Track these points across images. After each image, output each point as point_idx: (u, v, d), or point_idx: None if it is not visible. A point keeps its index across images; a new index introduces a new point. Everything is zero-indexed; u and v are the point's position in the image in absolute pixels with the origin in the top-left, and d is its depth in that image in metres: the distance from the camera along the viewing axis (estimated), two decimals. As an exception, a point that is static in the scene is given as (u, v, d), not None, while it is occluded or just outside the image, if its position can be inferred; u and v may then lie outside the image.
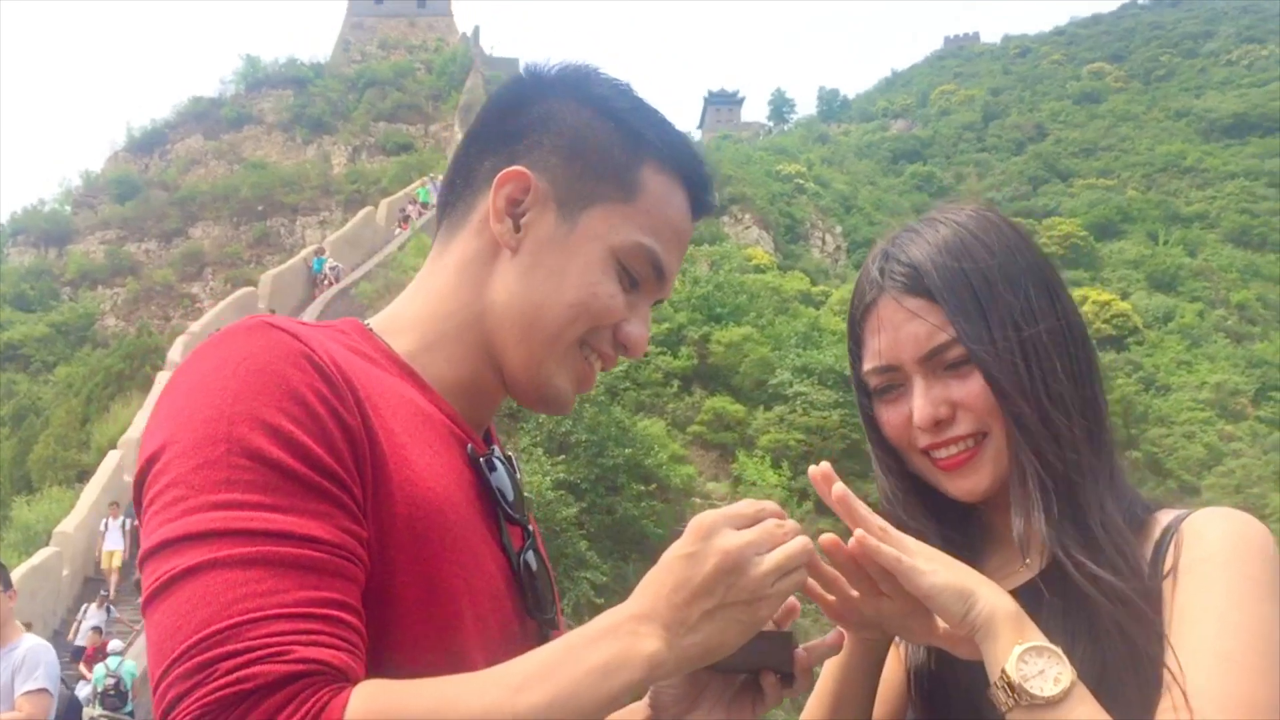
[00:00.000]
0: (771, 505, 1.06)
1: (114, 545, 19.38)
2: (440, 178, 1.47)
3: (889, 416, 1.30)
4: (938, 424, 1.24)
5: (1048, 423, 1.21)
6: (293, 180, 49.00)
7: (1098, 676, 1.09)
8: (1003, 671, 1.05)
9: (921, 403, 1.25)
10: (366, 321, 1.22)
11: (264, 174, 49.88)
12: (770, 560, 1.01)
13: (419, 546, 1.02)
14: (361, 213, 41.53)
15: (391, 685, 0.90)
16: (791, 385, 37.37)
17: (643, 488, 27.80)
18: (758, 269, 47.90)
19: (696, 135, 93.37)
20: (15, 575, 9.78)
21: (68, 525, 21.48)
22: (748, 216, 55.30)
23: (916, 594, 1.11)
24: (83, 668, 14.07)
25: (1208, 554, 1.13)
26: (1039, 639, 1.06)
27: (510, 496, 1.18)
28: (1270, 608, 1.09)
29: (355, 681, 0.89)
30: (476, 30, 64.50)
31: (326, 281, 32.82)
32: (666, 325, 40.46)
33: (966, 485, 1.26)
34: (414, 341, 1.19)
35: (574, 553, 24.11)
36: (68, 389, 39.03)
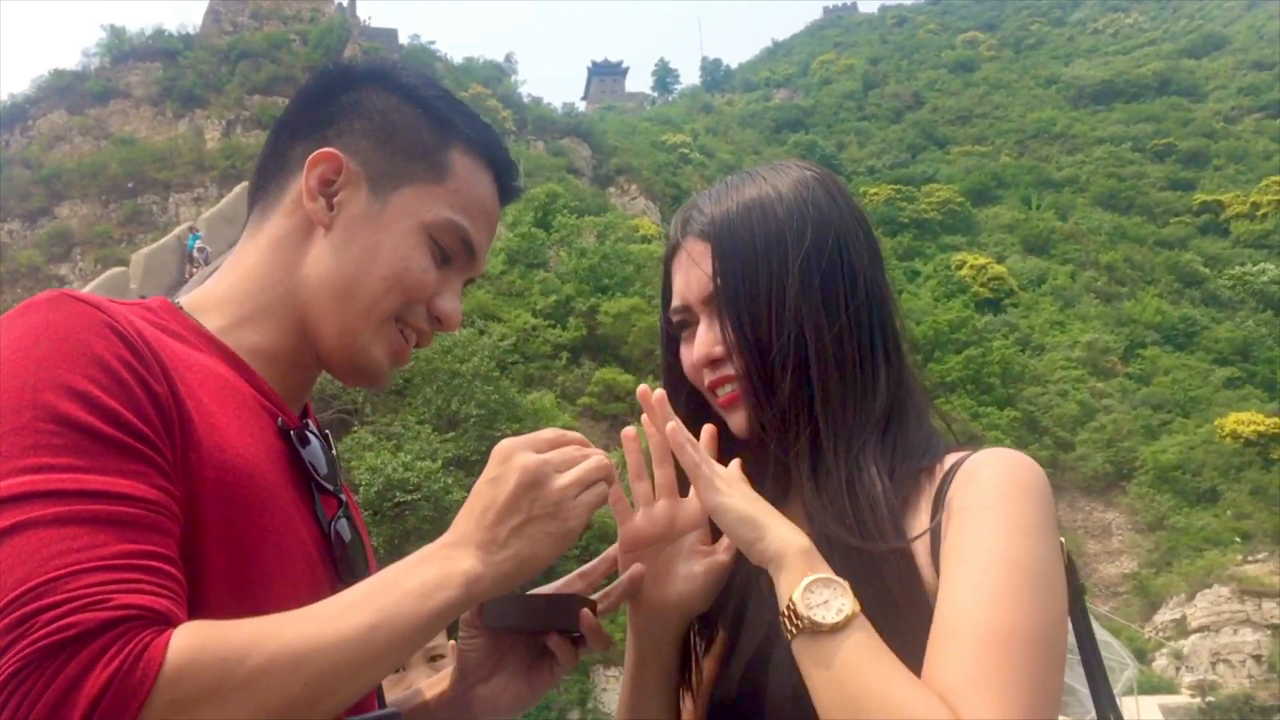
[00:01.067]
0: (574, 434, 1.16)
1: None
2: None
3: (684, 355, 1.36)
4: (712, 362, 1.31)
5: (790, 384, 1.26)
6: (164, 156, 47.30)
7: (879, 615, 1.14)
8: (789, 600, 1.11)
9: (698, 341, 1.32)
10: (175, 300, 1.23)
11: (133, 150, 48.03)
12: (569, 475, 1.10)
13: (228, 510, 1.03)
14: (238, 188, 40.45)
15: (213, 623, 0.91)
16: (679, 354, 37.44)
17: (533, 461, 27.63)
18: (644, 239, 48.05)
19: (581, 106, 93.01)
20: None
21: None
22: (634, 187, 55.40)
23: (707, 509, 1.18)
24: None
25: (979, 494, 1.17)
26: (828, 572, 1.12)
27: (323, 470, 1.21)
28: (1032, 541, 1.13)
29: (177, 625, 0.90)
30: (352, 1, 62.45)
31: (197, 264, 31.87)
32: (554, 297, 40.36)
33: (736, 421, 1.32)
34: (225, 318, 1.21)
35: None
36: (-72, 378, 37.34)
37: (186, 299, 1.24)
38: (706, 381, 1.33)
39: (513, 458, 1.09)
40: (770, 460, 1.32)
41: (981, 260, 57.14)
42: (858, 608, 1.10)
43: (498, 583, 1.06)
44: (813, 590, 1.10)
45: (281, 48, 55.43)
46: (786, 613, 1.11)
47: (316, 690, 0.92)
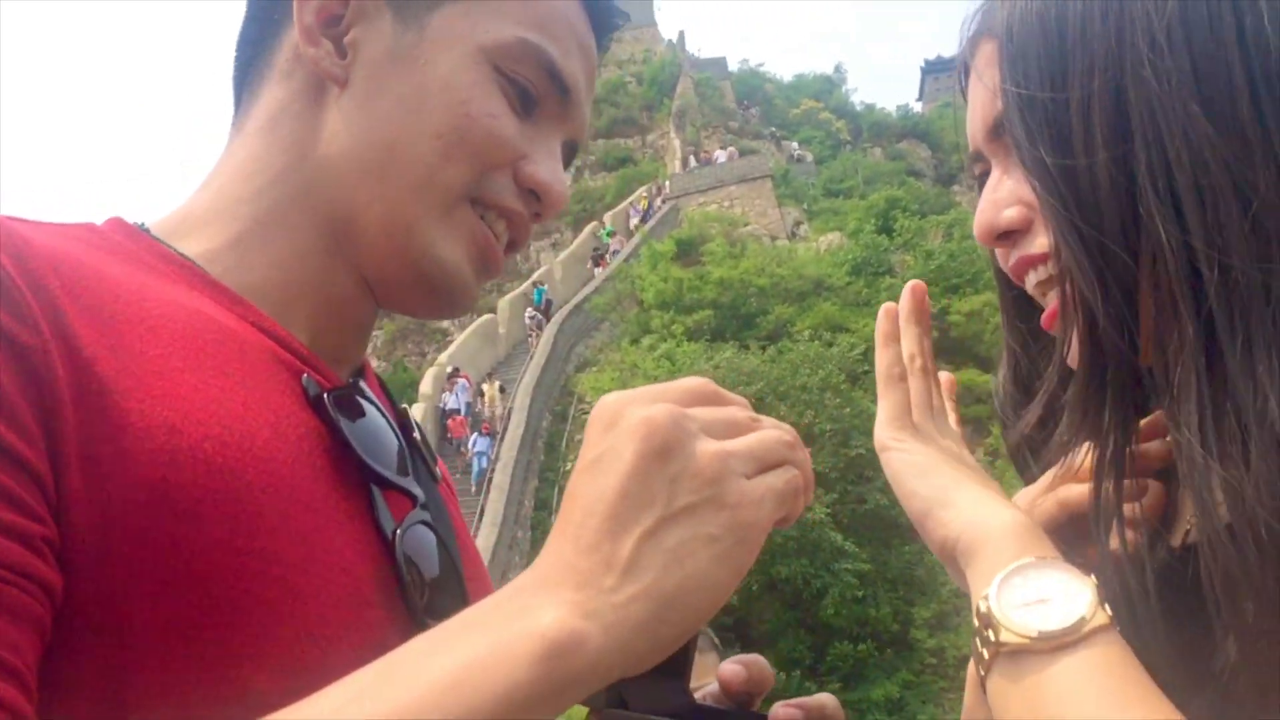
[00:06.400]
0: (733, 396, 0.69)
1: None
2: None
3: None
4: (1006, 234, 0.81)
5: (1161, 258, 0.70)
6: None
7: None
8: (981, 601, 0.68)
9: (983, 199, 0.82)
10: (141, 223, 0.82)
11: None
12: (737, 443, 0.62)
13: (191, 531, 0.63)
14: (588, 228, 40.64)
15: None
16: (1040, 350, 43.00)
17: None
18: (995, 231, 40.85)
19: (917, 107, 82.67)
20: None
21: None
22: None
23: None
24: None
25: None
26: (1045, 553, 0.70)
27: (385, 452, 0.79)
28: None
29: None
30: (681, 35, 64.82)
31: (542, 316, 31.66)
32: (901, 303, 44.97)
33: (1067, 351, 0.77)
34: (213, 239, 0.81)
35: (829, 546, 23.62)
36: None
37: (155, 222, 0.83)
38: (1007, 266, 0.84)
39: (624, 415, 0.61)
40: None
41: None
42: (1107, 617, 0.65)
43: (619, 641, 0.57)
44: (1011, 583, 0.67)
45: (618, 90, 54.98)
46: (978, 624, 0.68)
47: None
